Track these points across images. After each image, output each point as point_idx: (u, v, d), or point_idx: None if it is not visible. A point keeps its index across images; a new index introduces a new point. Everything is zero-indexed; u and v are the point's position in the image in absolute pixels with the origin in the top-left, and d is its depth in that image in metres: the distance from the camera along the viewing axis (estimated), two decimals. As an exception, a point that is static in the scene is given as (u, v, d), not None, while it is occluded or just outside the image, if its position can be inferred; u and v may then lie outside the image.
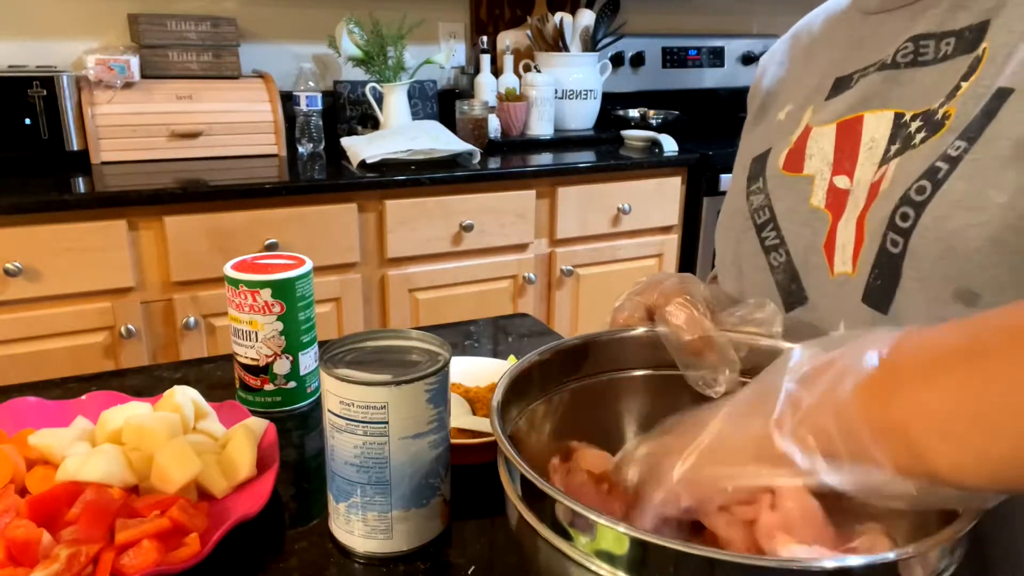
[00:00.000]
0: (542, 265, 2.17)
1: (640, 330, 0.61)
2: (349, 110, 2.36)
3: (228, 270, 0.78)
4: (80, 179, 1.79)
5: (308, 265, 0.80)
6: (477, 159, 2.08)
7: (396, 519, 0.58)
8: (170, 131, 1.96)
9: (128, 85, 1.94)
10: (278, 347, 0.79)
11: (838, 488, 0.39)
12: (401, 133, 2.09)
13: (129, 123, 1.94)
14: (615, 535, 0.38)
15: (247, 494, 0.64)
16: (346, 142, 2.12)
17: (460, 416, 0.73)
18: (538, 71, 2.43)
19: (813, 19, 0.75)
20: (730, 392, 0.52)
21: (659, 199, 2.26)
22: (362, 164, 1.96)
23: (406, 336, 0.62)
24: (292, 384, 0.81)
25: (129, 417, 0.67)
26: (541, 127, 2.40)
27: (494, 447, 0.47)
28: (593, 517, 0.39)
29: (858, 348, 0.41)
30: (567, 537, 0.41)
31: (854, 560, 0.36)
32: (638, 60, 2.73)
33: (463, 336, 1.02)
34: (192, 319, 1.77)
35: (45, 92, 1.83)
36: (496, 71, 2.44)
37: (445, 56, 2.34)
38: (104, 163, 1.92)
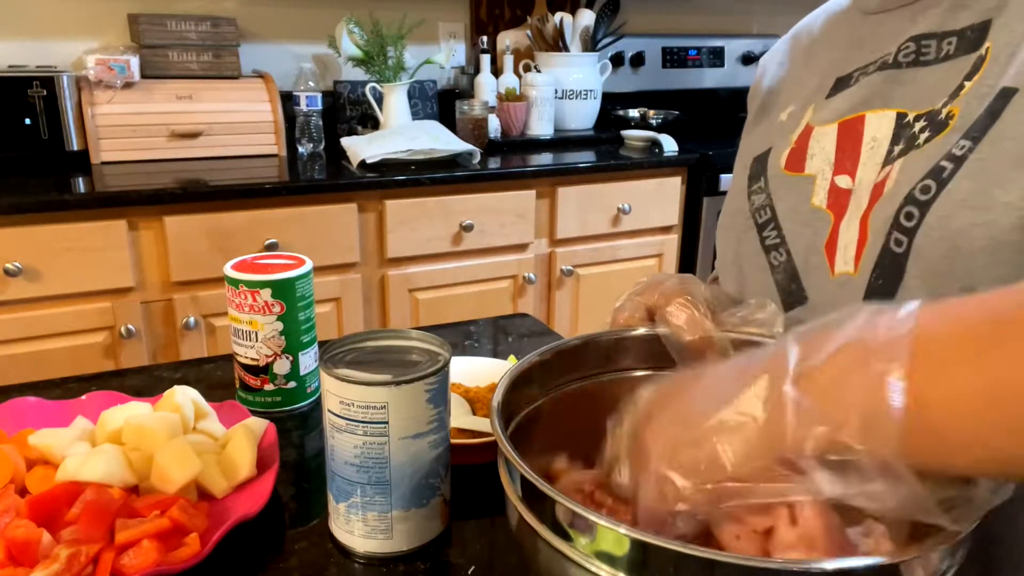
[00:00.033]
0: (542, 265, 2.17)
1: (641, 330, 0.61)
2: (349, 110, 2.36)
3: (228, 270, 0.78)
4: (80, 179, 1.79)
5: (308, 265, 0.80)
6: (477, 159, 2.08)
7: (396, 519, 0.58)
8: (170, 131, 1.96)
9: (128, 85, 1.94)
10: (278, 347, 0.79)
11: (847, 501, 0.37)
12: (401, 133, 2.09)
13: (129, 123, 1.94)
14: (615, 536, 0.38)
15: (247, 494, 0.64)
16: (346, 142, 2.12)
17: (460, 416, 0.73)
18: (538, 71, 2.43)
19: (813, 19, 0.75)
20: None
21: (659, 199, 2.26)
22: (362, 164, 1.95)
23: (406, 336, 0.62)
24: (292, 384, 0.81)
25: (129, 417, 0.67)
26: (541, 127, 2.39)
27: (494, 447, 0.47)
28: (593, 518, 0.39)
29: (869, 325, 0.38)
30: (567, 538, 0.41)
31: (855, 561, 0.36)
32: (638, 60, 2.73)
33: (463, 336, 1.02)
34: (192, 319, 1.77)
35: (45, 92, 1.83)
36: (496, 71, 2.43)
37: (445, 56, 2.34)
38: (104, 163, 1.92)
